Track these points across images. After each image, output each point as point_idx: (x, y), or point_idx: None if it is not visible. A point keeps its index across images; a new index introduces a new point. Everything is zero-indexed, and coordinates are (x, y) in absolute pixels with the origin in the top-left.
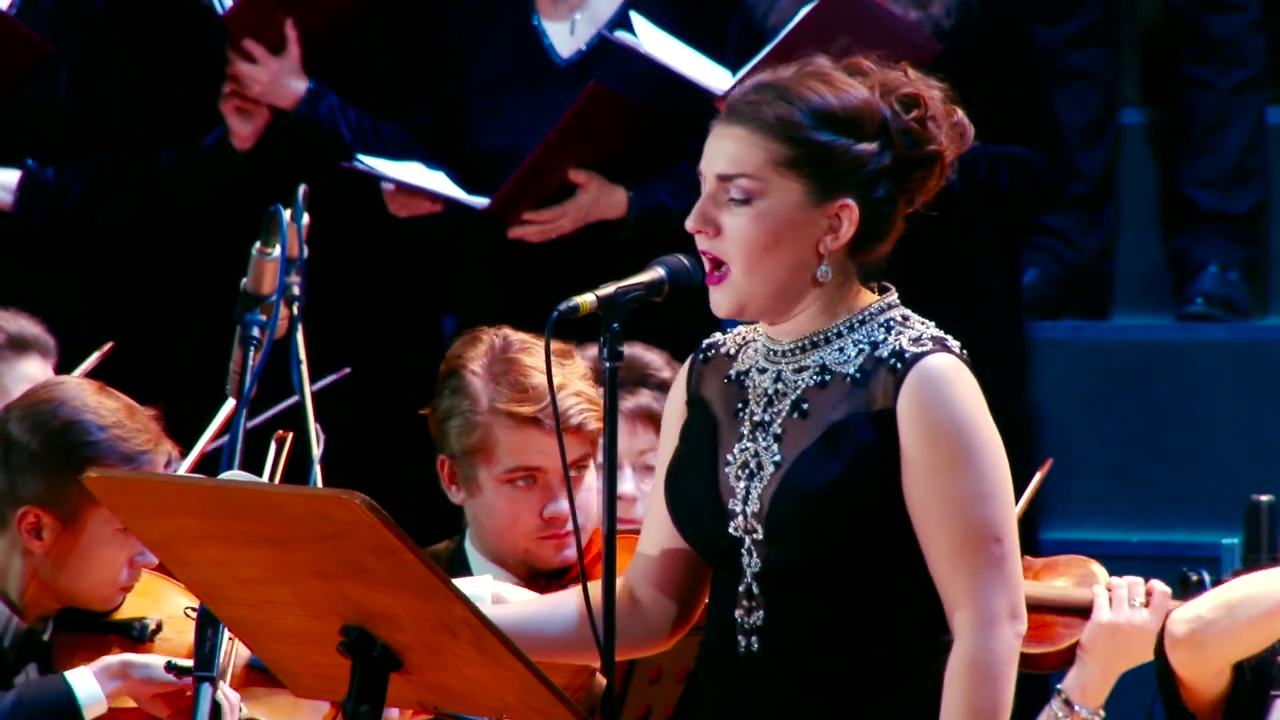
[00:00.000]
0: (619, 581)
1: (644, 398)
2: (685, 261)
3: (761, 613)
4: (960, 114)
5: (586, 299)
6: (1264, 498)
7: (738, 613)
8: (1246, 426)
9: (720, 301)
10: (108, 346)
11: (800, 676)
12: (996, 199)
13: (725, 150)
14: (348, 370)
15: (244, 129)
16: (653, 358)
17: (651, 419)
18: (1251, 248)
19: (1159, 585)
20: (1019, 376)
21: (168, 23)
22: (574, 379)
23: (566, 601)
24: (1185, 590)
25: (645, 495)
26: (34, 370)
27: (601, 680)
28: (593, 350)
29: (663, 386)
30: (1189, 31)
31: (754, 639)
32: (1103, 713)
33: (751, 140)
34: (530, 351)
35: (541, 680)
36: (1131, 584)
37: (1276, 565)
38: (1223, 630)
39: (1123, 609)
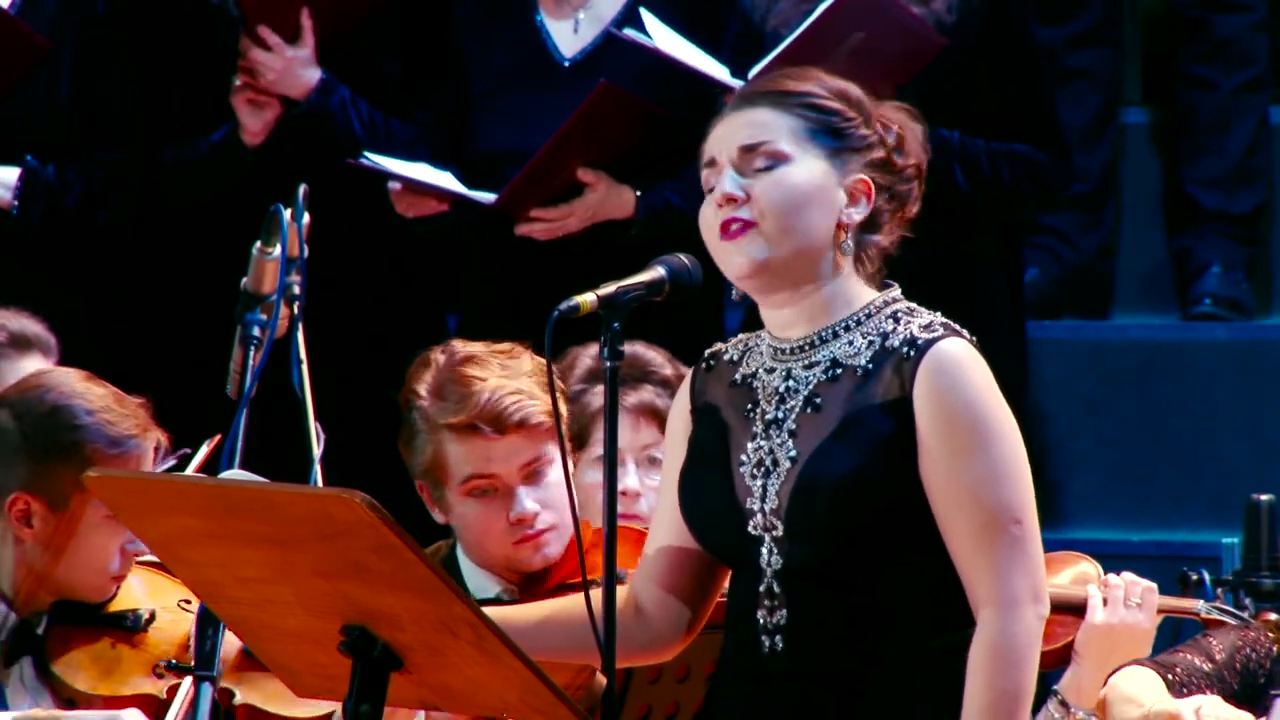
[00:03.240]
0: (623, 591)
1: (646, 393)
2: (685, 261)
3: (785, 611)
4: (923, 130)
5: (587, 298)
6: (1264, 497)
7: (760, 613)
8: (1247, 426)
9: (742, 258)
10: (216, 439)
11: (827, 674)
12: (998, 196)
13: (746, 125)
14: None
15: (255, 123)
16: (654, 355)
17: (654, 414)
18: (1254, 248)
19: (1145, 583)
20: (1020, 376)
21: (170, 22)
22: (505, 380)
23: (568, 603)
24: (1186, 590)
25: (649, 491)
26: (36, 369)
27: (602, 680)
28: (593, 349)
29: (664, 383)
30: (1193, 31)
31: (778, 638)
32: (1099, 713)
33: (773, 114)
34: (475, 361)
35: (542, 680)
36: (1129, 584)
37: (1276, 565)
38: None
39: (1118, 610)
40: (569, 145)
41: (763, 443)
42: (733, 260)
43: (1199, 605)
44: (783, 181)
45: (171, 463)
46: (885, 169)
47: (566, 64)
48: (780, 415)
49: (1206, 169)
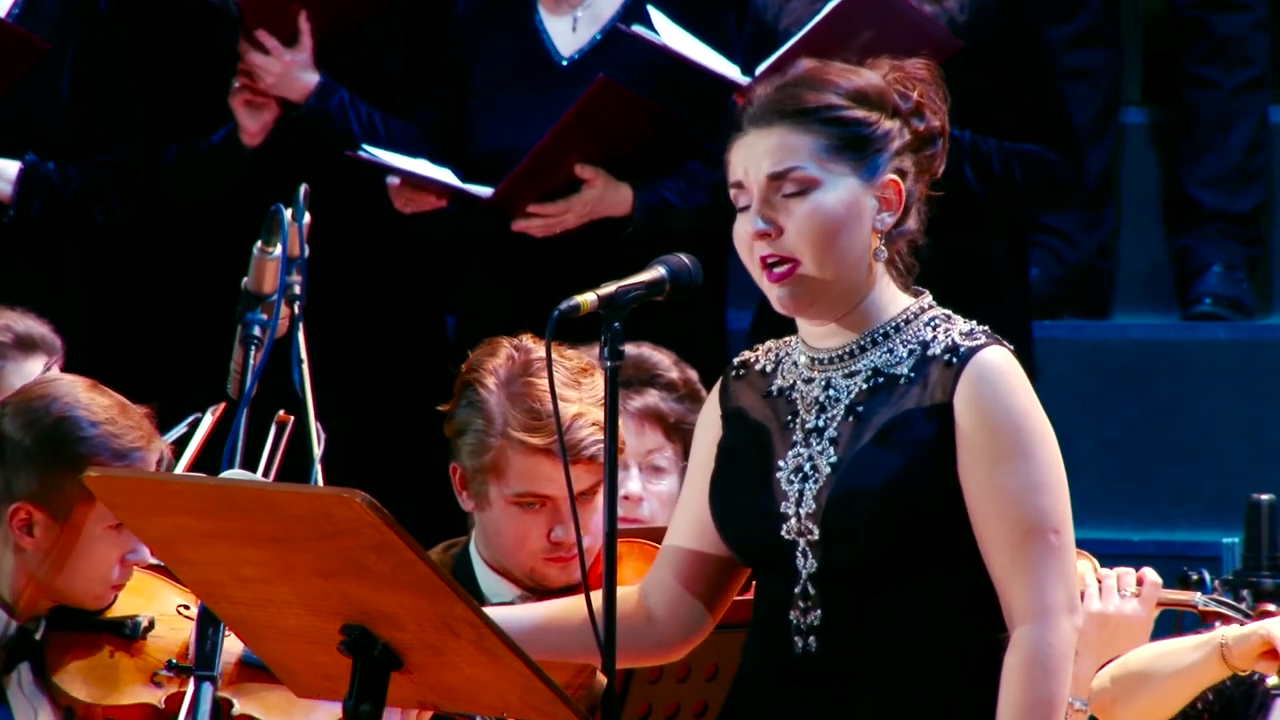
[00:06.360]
0: (632, 591)
1: (651, 397)
2: (686, 260)
3: (819, 612)
4: (942, 85)
5: (587, 298)
6: (1264, 497)
7: (793, 614)
8: (1247, 425)
9: (789, 298)
10: (222, 406)
11: (859, 674)
12: (1010, 195)
13: (769, 149)
14: None
15: (253, 124)
16: (660, 358)
17: (659, 419)
18: (1254, 248)
19: (1150, 574)
20: (1031, 377)
21: (171, 21)
22: (591, 407)
23: (570, 604)
24: (1186, 589)
25: (652, 496)
26: (41, 370)
27: (602, 679)
28: (595, 350)
29: (670, 387)
30: (1193, 31)
31: (812, 638)
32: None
33: (794, 134)
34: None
35: (542, 679)
36: (1121, 574)
37: (1276, 565)
38: (1118, 701)
39: (1111, 599)
40: (566, 140)
41: (802, 450)
42: (776, 297)
43: (1197, 598)
44: (817, 212)
45: (182, 430)
46: (910, 149)
47: (564, 63)
48: (821, 424)
49: (1207, 169)
